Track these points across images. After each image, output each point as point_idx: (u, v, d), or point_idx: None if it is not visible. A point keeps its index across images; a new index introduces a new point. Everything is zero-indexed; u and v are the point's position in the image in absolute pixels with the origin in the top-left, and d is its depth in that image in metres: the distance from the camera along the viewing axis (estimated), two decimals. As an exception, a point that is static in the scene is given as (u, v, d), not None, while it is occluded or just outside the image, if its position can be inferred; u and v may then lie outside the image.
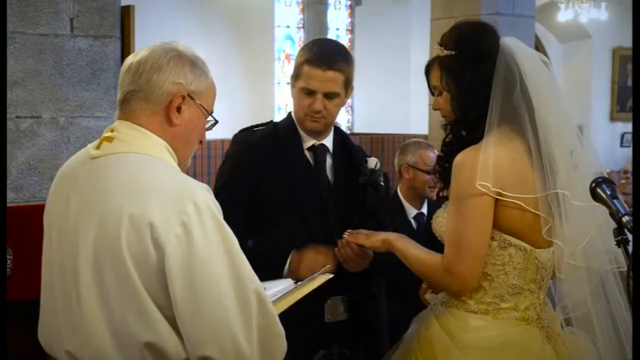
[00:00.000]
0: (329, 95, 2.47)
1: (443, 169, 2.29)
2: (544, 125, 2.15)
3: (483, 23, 2.34)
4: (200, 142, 1.90)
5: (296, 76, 2.52)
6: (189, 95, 1.80)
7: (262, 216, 2.49)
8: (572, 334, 2.27)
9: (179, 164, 1.84)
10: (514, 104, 2.16)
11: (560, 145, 2.16)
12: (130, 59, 1.83)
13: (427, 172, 3.65)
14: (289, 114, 2.63)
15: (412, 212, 3.72)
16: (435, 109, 2.30)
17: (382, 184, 2.60)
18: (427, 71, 2.32)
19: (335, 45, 2.65)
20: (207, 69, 1.87)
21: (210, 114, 1.88)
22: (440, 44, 2.26)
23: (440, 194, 2.34)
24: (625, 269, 2.05)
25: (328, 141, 2.60)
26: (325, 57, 2.47)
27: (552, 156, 2.14)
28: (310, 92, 2.47)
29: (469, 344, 2.18)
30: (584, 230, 2.12)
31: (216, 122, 1.91)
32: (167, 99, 1.78)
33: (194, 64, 1.83)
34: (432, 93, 2.32)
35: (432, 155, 3.72)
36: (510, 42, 2.22)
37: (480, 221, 2.12)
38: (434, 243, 2.34)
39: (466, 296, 2.22)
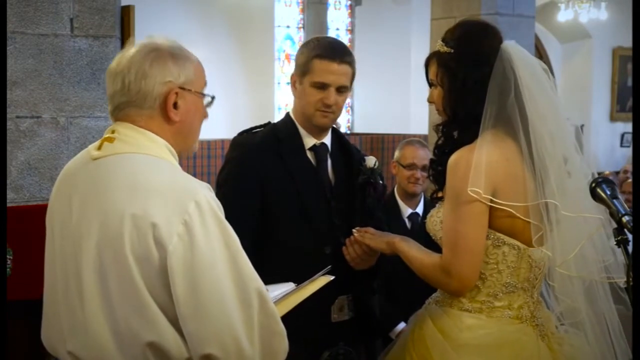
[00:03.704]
0: (340, 89, 2.49)
1: (436, 172, 2.31)
2: (536, 134, 2.15)
3: (487, 25, 2.33)
4: (205, 117, 1.90)
5: (304, 72, 2.50)
6: (181, 88, 1.80)
7: (267, 218, 2.49)
8: (566, 333, 2.28)
9: (187, 152, 1.85)
10: (508, 111, 2.17)
11: (553, 155, 2.16)
12: (113, 66, 1.81)
13: (407, 167, 3.66)
14: (287, 114, 2.63)
15: (406, 211, 3.72)
16: (430, 102, 2.32)
17: (381, 182, 2.62)
18: (427, 64, 2.34)
19: (340, 41, 2.68)
20: (187, 52, 1.85)
21: (205, 95, 1.87)
22: (443, 40, 2.28)
23: (435, 195, 2.35)
24: (616, 279, 2.07)
25: (327, 140, 2.60)
26: (336, 51, 2.50)
27: (544, 166, 2.14)
28: (323, 86, 2.47)
29: (463, 342, 2.19)
30: (575, 239, 2.13)
31: (213, 98, 1.89)
32: (161, 100, 1.79)
33: (174, 55, 1.81)
34: (429, 85, 2.34)
35: (421, 152, 3.70)
36: (511, 48, 2.22)
37: (477, 221, 2.13)
38: (429, 243, 2.36)
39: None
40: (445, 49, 2.25)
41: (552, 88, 2.27)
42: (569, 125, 2.28)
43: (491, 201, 2.11)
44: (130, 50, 1.82)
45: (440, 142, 2.30)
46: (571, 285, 2.18)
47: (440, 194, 2.31)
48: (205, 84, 1.88)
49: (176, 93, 1.79)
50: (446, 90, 2.24)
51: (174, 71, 1.79)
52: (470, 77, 2.19)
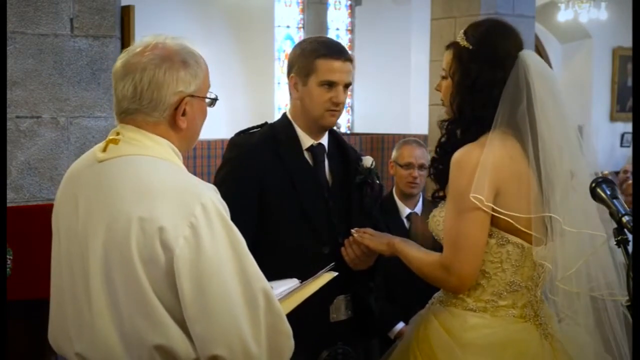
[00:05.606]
0: (346, 86, 2.52)
1: (437, 171, 2.30)
2: (545, 147, 2.15)
3: (509, 28, 2.29)
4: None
5: (308, 73, 2.49)
6: (190, 96, 1.80)
7: (265, 218, 2.49)
8: (568, 331, 2.27)
9: (185, 152, 1.85)
10: (518, 119, 2.16)
11: (560, 170, 2.15)
12: (119, 68, 1.79)
13: (404, 167, 3.65)
14: (284, 114, 2.62)
15: (405, 211, 3.71)
16: (437, 90, 2.33)
17: (378, 182, 2.62)
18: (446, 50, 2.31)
19: (336, 40, 2.71)
20: (197, 57, 1.83)
21: (209, 97, 1.87)
22: (465, 32, 2.26)
23: (436, 194, 2.35)
24: (619, 297, 2.07)
25: (324, 141, 2.61)
26: (339, 49, 2.53)
27: (550, 181, 2.14)
28: (331, 85, 2.48)
29: (467, 342, 2.19)
30: (578, 255, 2.13)
31: (216, 98, 1.89)
32: (171, 109, 1.78)
33: (186, 63, 1.80)
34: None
35: (418, 151, 3.69)
36: (529, 58, 2.21)
37: (478, 223, 2.13)
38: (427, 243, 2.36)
39: (464, 294, 2.23)
40: (465, 43, 2.24)
41: (564, 103, 2.24)
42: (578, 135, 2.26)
43: (492, 209, 2.11)
44: (137, 50, 1.79)
45: (442, 140, 2.30)
46: (572, 299, 2.17)
47: (441, 193, 2.31)
48: (209, 85, 1.88)
49: (185, 102, 1.79)
50: (455, 84, 2.24)
51: (186, 80, 1.78)
52: (482, 77, 2.19)
